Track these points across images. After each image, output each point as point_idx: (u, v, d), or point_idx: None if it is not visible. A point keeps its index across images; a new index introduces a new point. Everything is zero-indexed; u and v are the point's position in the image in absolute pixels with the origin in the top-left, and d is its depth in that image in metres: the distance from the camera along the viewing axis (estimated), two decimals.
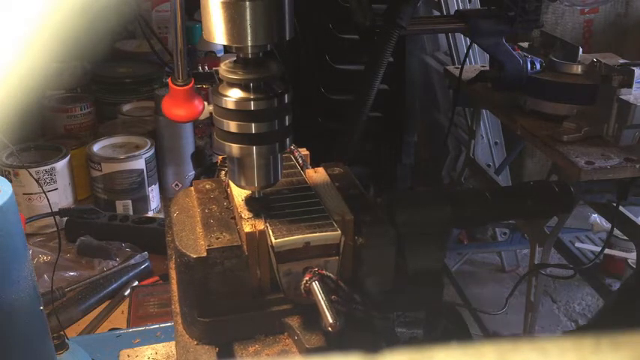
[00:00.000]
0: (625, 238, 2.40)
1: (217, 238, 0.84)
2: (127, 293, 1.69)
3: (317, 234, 0.83)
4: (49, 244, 1.87)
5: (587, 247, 2.94)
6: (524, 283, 1.98)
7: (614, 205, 1.77)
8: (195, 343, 0.87)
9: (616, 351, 0.32)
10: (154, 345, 1.27)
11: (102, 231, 1.87)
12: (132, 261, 1.77)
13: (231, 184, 0.95)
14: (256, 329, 0.87)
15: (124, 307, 1.66)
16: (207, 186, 0.99)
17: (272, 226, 0.84)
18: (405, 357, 0.33)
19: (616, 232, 2.03)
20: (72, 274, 1.74)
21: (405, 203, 0.96)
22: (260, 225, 0.85)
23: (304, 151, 1.05)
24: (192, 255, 0.83)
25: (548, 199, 1.07)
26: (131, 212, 2.01)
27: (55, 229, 1.55)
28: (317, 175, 1.00)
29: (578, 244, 2.94)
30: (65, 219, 1.91)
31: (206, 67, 1.18)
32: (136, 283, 1.73)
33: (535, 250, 1.90)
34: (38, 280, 1.35)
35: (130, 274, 1.74)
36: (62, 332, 1.35)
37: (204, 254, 0.82)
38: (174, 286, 0.95)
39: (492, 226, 3.04)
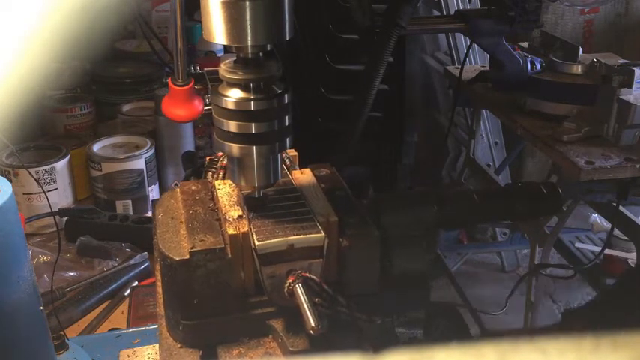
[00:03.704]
0: (625, 238, 2.40)
1: (201, 240, 0.83)
2: (126, 293, 1.69)
3: (300, 236, 0.82)
4: (49, 244, 1.87)
5: (587, 247, 2.94)
6: (524, 283, 1.99)
7: (614, 205, 1.77)
8: (179, 345, 0.86)
9: (616, 351, 0.32)
10: (154, 345, 1.26)
11: (102, 231, 1.87)
12: (132, 261, 1.77)
13: (217, 186, 0.94)
14: (240, 332, 0.87)
15: (124, 307, 1.66)
16: (193, 187, 0.98)
17: (255, 228, 0.83)
18: (405, 357, 0.33)
19: (616, 232, 2.03)
20: (72, 274, 1.74)
21: (391, 205, 0.96)
22: (244, 227, 0.84)
23: (292, 152, 1.05)
24: (175, 257, 0.82)
25: (536, 201, 1.07)
26: (131, 212, 2.00)
27: (55, 229, 1.55)
28: (303, 176, 0.99)
29: (578, 244, 2.94)
30: (65, 219, 1.91)
31: (197, 68, 1.18)
32: (135, 283, 1.73)
33: (535, 250, 1.90)
34: (38, 280, 1.35)
35: (130, 274, 1.74)
36: (62, 332, 1.35)
37: (187, 256, 0.81)
38: (159, 289, 0.94)
39: (491, 226, 3.03)
